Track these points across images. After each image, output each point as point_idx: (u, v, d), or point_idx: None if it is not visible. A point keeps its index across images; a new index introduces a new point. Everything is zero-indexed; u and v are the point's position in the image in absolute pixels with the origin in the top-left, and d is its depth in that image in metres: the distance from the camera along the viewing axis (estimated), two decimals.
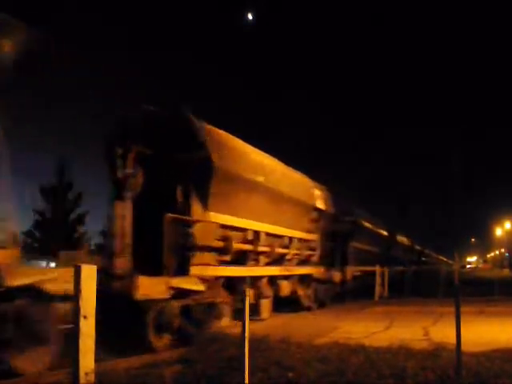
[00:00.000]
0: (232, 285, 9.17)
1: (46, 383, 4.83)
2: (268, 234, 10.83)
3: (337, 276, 16.04)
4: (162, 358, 6.23)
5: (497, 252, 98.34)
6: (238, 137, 10.74)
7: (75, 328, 4.45)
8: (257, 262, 10.42)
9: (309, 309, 13.54)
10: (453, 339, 4.92)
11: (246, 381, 4.35)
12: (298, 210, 12.60)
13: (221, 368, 5.30)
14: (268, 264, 10.94)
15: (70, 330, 4.72)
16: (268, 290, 10.95)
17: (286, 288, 11.85)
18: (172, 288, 7.40)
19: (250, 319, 9.79)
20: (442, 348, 6.27)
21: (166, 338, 7.38)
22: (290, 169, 12.98)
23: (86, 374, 4.41)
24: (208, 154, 8.23)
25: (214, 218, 8.56)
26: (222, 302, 8.72)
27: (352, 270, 17.82)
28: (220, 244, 8.79)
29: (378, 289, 18.68)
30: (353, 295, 17.43)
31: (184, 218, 7.84)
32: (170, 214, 7.55)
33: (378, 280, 18.89)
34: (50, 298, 5.79)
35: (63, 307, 5.65)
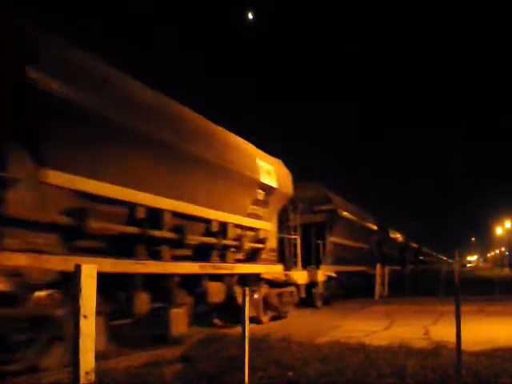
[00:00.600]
0: (108, 287, 5.74)
1: (46, 383, 4.83)
2: (177, 215, 7.53)
3: (301, 277, 12.50)
4: (162, 357, 6.22)
5: (497, 251, 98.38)
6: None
7: (75, 327, 4.47)
8: (157, 254, 7.18)
9: (257, 321, 10.19)
10: (453, 338, 4.92)
11: (246, 380, 4.35)
12: (232, 184, 9.09)
13: (221, 367, 5.31)
14: (181, 258, 7.74)
15: None
16: (182, 295, 7.66)
17: (216, 292, 8.54)
18: None
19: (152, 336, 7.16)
20: (442, 347, 6.28)
21: None
22: (217, 126, 9.11)
23: (87, 373, 4.40)
24: (39, 78, 5.08)
25: (55, 179, 5.48)
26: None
27: (326, 270, 14.68)
28: (69, 220, 5.69)
29: (378, 288, 18.68)
30: (325, 299, 14.92)
31: None
32: None
33: (378, 279, 18.88)
34: None
35: None
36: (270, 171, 10.66)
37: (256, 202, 10.14)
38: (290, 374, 5.03)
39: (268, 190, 10.44)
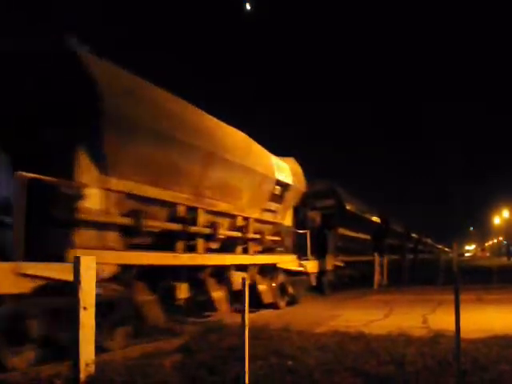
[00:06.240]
0: (153, 278, 7.07)
1: (46, 375, 4.83)
2: (209, 212, 8.53)
3: (312, 266, 13.44)
4: (162, 348, 6.24)
5: (495, 240, 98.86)
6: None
7: (75, 319, 4.47)
8: (194, 248, 8.11)
9: (274, 306, 11.07)
10: (451, 326, 4.93)
11: (246, 369, 4.36)
12: (253, 182, 9.94)
13: (221, 357, 5.32)
14: (212, 250, 8.67)
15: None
16: (214, 285, 8.56)
17: (240, 281, 9.75)
18: (28, 277, 4.99)
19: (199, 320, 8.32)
20: (441, 335, 6.30)
21: (28, 355, 5.17)
22: (240, 132, 10.02)
23: (87, 364, 4.44)
24: (97, 90, 5.91)
25: (117, 186, 6.38)
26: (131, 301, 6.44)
27: (333, 260, 15.69)
28: (128, 221, 6.50)
29: (377, 277, 18.76)
30: (333, 287, 15.72)
31: (53, 180, 5.59)
32: (24, 173, 5.28)
33: (378, 268, 18.95)
34: None
35: None
36: (284, 169, 11.66)
37: (273, 198, 11.03)
38: (290, 363, 5.05)
39: (283, 186, 11.36)
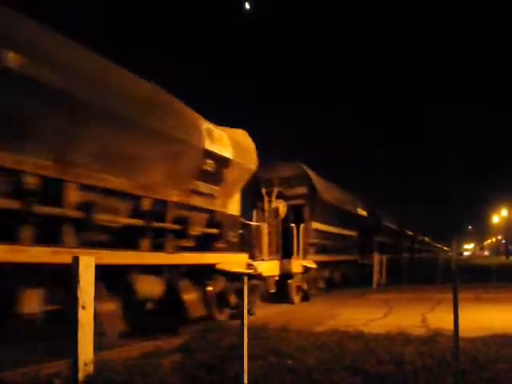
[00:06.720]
0: None
1: (45, 375, 4.83)
2: (86, 188, 5.88)
3: (269, 268, 10.67)
4: (161, 347, 6.24)
5: (493, 239, 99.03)
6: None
7: (74, 318, 4.47)
8: (56, 238, 5.52)
9: (211, 319, 8.11)
10: (450, 325, 4.94)
11: (246, 369, 4.36)
12: (168, 151, 7.19)
13: (220, 356, 5.32)
14: (102, 245, 6.14)
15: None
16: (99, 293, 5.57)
17: (149, 288, 6.87)
18: None
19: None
20: (440, 334, 6.32)
21: None
22: (145, 81, 7.03)
23: (85, 364, 4.43)
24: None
25: None
26: None
27: (304, 260, 12.91)
28: None
29: (376, 276, 18.76)
30: (305, 293, 13.18)
31: None
32: None
33: (377, 268, 18.94)
34: None
35: None
36: (220, 139, 8.60)
37: (204, 177, 8.24)
38: (289, 362, 5.05)
39: (219, 161, 8.47)
